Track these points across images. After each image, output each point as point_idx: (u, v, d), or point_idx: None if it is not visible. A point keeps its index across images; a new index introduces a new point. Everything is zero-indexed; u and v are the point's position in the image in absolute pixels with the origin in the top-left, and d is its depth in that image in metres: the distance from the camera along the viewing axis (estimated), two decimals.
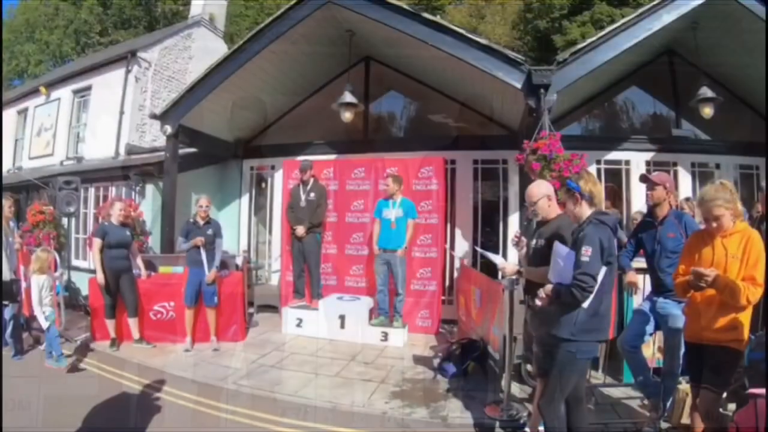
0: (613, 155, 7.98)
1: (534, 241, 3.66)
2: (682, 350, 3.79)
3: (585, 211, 3.19)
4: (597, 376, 4.93)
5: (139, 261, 6.71)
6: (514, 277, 4.01)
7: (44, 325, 5.57)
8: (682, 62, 8.02)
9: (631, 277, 4.51)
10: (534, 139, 5.69)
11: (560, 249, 3.17)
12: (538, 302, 3.21)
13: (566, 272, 3.05)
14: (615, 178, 7.91)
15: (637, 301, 4.77)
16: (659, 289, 4.12)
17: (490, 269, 6.68)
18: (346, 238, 7.94)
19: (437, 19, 6.60)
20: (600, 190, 3.27)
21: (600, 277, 2.99)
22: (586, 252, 2.95)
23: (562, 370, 3.14)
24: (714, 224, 3.09)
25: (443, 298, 7.71)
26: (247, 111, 8.93)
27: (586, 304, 3.00)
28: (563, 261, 3.10)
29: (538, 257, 3.54)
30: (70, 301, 8.38)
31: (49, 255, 5.92)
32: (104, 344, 6.35)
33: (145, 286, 6.63)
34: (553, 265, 3.21)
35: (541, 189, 3.67)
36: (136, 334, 6.44)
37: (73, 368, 5.59)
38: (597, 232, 3.01)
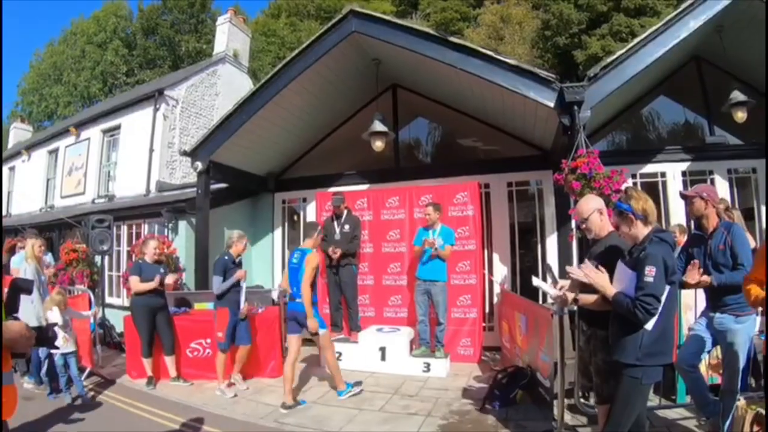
0: (648, 168, 7.80)
1: (585, 263, 3.49)
2: (741, 366, 3.64)
3: (641, 230, 3.05)
4: (650, 398, 4.70)
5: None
6: (574, 307, 3.66)
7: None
8: (709, 67, 7.87)
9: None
10: (572, 157, 5.57)
11: (623, 270, 3.02)
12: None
13: (629, 293, 2.90)
14: (652, 192, 7.66)
15: (690, 318, 4.56)
16: (714, 304, 3.92)
17: (532, 293, 6.51)
18: (383, 269, 7.81)
19: (464, 42, 6.56)
20: (652, 205, 3.10)
21: (663, 298, 2.84)
22: (650, 272, 2.80)
23: (628, 397, 2.94)
24: None
25: (484, 324, 7.50)
26: (277, 145, 8.95)
27: (649, 326, 2.85)
28: (625, 282, 2.95)
29: None
30: (105, 338, 8.34)
31: (64, 297, 5.90)
32: (141, 382, 6.28)
33: (182, 324, 6.59)
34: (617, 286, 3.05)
35: (591, 203, 3.51)
36: (173, 372, 6.37)
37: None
38: (660, 251, 2.87)
